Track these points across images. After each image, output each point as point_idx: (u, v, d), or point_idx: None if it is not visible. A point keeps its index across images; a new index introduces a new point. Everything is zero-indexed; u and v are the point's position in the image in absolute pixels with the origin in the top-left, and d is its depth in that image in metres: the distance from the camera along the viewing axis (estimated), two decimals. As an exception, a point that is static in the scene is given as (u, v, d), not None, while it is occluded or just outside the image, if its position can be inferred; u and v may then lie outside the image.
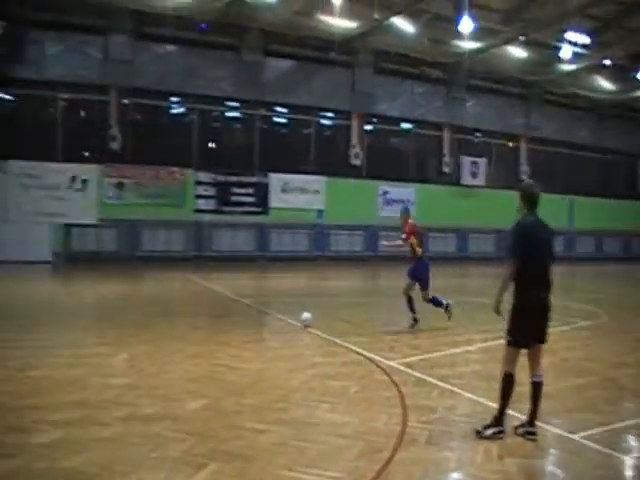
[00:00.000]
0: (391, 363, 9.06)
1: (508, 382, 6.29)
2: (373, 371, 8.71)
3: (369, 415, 6.73)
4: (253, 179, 27.20)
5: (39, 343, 10.03)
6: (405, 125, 32.00)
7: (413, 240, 12.00)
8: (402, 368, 8.82)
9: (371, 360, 9.24)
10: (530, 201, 6.44)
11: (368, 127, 30.54)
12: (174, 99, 27.54)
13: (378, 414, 6.75)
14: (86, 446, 5.64)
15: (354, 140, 29.68)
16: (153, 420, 6.36)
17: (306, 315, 11.70)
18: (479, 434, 6.20)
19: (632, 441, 6.55)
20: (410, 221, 12.17)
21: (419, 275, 12.09)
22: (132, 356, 9.24)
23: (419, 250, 12.07)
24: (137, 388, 7.56)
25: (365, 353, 9.65)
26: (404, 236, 12.01)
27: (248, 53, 27.24)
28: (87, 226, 24.39)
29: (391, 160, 31.44)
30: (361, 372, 8.62)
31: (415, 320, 12.14)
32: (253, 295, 16.88)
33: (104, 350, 9.67)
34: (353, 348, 10.02)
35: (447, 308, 12.24)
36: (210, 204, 26.59)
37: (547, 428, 6.53)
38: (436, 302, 12.26)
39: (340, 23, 25.06)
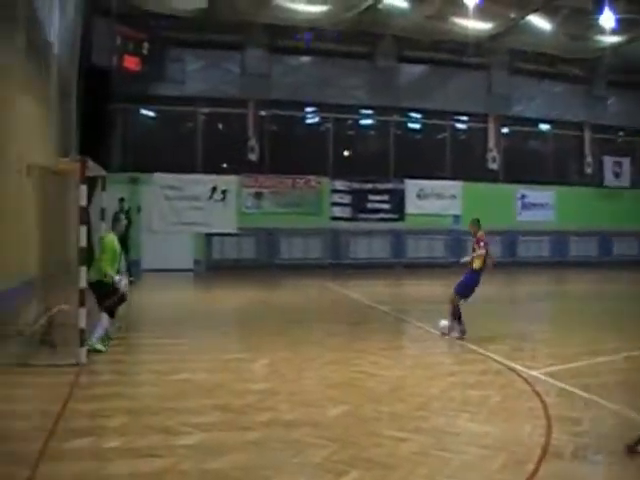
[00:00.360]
0: (532, 372, 8.80)
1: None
2: (514, 380, 8.50)
3: (511, 425, 6.57)
4: (388, 186, 27.19)
5: (182, 348, 10.43)
6: (543, 126, 31.11)
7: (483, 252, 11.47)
8: (544, 378, 8.56)
9: (512, 369, 9.02)
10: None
11: (505, 130, 29.88)
12: (309, 109, 27.96)
13: (521, 424, 6.58)
14: (229, 449, 5.80)
15: (491, 143, 29.13)
16: (294, 426, 6.46)
17: (444, 322, 11.54)
18: (630, 449, 5.90)
19: None
20: (481, 232, 11.68)
21: (466, 285, 11.57)
22: (272, 362, 9.43)
23: (478, 263, 11.49)
24: (277, 394, 7.71)
25: (505, 362, 9.43)
26: (482, 244, 11.49)
27: (382, 60, 27.30)
28: (227, 235, 25.12)
29: (529, 163, 30.57)
30: (501, 381, 8.44)
31: (463, 333, 11.35)
32: (390, 302, 16.86)
33: (244, 355, 9.94)
34: (492, 356, 9.82)
35: (448, 331, 11.45)
36: (346, 212, 26.77)
37: None
38: (456, 314, 11.44)
39: (474, 25, 24.65)
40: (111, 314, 9.99)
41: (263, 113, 26.46)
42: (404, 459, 5.61)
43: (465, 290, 11.48)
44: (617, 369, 9.47)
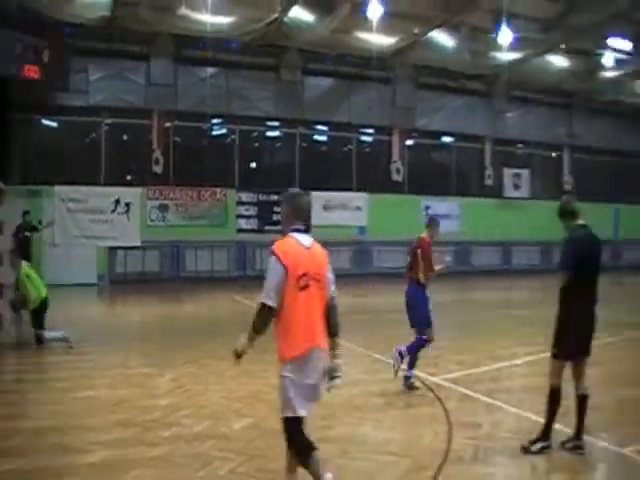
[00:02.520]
0: (435, 379, 9.01)
1: (554, 396, 6.23)
2: (418, 387, 8.67)
3: (414, 432, 6.71)
4: (294, 198, 27.26)
5: (87, 364, 10.20)
6: (446, 139, 31.88)
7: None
8: (447, 384, 8.77)
9: (415, 376, 9.18)
10: (572, 214, 6.40)
11: (409, 142, 30.48)
12: (215, 120, 27.78)
13: (423, 431, 6.73)
14: (134, 465, 5.73)
15: (395, 156, 29.63)
16: (199, 439, 6.42)
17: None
18: (526, 450, 6.13)
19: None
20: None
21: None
22: (177, 376, 9.33)
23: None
24: (183, 408, 7.63)
25: (409, 369, 9.59)
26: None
27: (287, 72, 27.42)
28: (131, 248, 24.68)
29: (433, 175, 31.28)
30: (405, 388, 8.59)
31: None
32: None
33: (150, 370, 9.79)
34: (397, 364, 9.97)
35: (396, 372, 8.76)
36: (252, 223, 26.71)
37: (595, 442, 6.44)
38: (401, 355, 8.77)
39: (379, 39, 25.09)
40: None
41: (168, 124, 26.15)
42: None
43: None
44: (517, 374, 9.81)
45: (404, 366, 8.76)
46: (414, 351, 8.76)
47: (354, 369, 9.85)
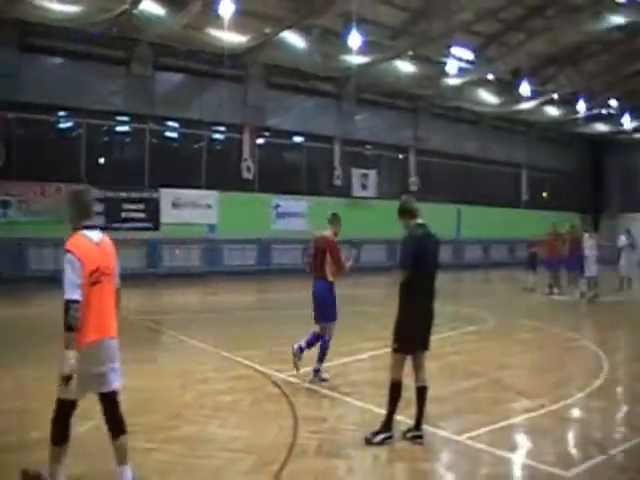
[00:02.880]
0: (282, 375, 9.12)
1: (395, 389, 6.46)
2: (265, 384, 8.76)
3: (260, 428, 6.78)
4: (143, 194, 26.70)
5: None
6: (297, 139, 32.22)
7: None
8: (293, 380, 8.89)
9: (263, 373, 9.29)
10: (411, 213, 6.65)
11: (260, 141, 30.56)
12: (61, 113, 26.73)
13: (269, 427, 6.81)
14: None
15: (246, 154, 29.61)
16: (39, 445, 6.19)
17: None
18: (368, 441, 6.34)
19: (517, 438, 6.87)
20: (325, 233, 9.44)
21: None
22: (19, 380, 8.96)
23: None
24: (24, 412, 7.35)
25: (257, 367, 9.69)
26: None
27: (138, 67, 26.75)
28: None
29: (283, 173, 31.56)
30: (253, 385, 8.66)
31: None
32: (145, 312, 16.55)
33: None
34: (245, 362, 10.04)
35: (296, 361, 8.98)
36: (99, 221, 25.89)
37: (435, 431, 6.76)
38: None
39: (230, 37, 25.00)
40: None
41: (10, 116, 24.92)
42: (153, 470, 5.62)
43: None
44: (361, 368, 10.10)
45: (315, 365, 8.92)
46: (323, 349, 8.90)
47: (202, 367, 9.82)
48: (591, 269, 19.83)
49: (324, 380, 8.86)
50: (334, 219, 9.48)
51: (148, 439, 6.37)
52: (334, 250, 9.00)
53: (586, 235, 20.62)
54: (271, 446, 6.23)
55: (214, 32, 24.78)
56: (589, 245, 20.03)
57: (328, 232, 9.32)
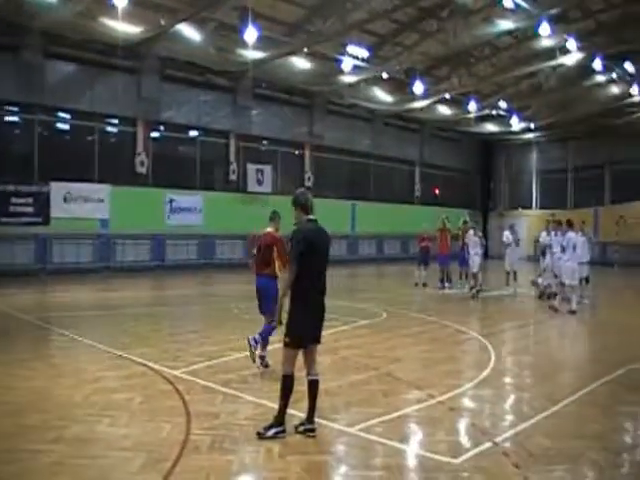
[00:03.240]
0: (175, 372, 9.06)
1: (287, 383, 6.53)
2: (157, 381, 8.67)
3: (152, 426, 6.72)
4: (32, 188, 25.79)
5: None
6: (192, 133, 31.87)
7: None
8: (187, 376, 8.85)
9: (155, 371, 9.19)
10: (304, 208, 6.73)
11: (154, 135, 30.10)
12: (-58, 101, 25.57)
13: (161, 424, 6.76)
14: None
15: (140, 148, 29.08)
16: None
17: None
18: (261, 435, 6.40)
19: (407, 429, 7.05)
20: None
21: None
22: None
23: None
24: None
25: (150, 364, 9.57)
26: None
27: (28, 54, 25.76)
28: None
29: (178, 168, 31.13)
30: (145, 383, 8.56)
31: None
32: (33, 311, 16.01)
33: None
34: (138, 360, 9.90)
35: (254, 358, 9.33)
36: (-15, 214, 24.93)
37: (327, 424, 6.86)
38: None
39: (124, 27, 24.45)
40: None
41: None
42: (41, 472, 5.51)
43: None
44: (255, 363, 10.10)
45: (258, 351, 9.32)
46: (265, 336, 9.36)
47: (94, 366, 9.62)
48: (475, 265, 20.51)
49: (267, 367, 9.40)
50: (275, 216, 9.85)
51: (37, 440, 6.23)
52: (281, 244, 9.35)
53: (471, 232, 21.27)
54: (163, 443, 6.20)
55: (108, 22, 24.21)
56: (473, 242, 20.72)
57: (270, 229, 9.74)
